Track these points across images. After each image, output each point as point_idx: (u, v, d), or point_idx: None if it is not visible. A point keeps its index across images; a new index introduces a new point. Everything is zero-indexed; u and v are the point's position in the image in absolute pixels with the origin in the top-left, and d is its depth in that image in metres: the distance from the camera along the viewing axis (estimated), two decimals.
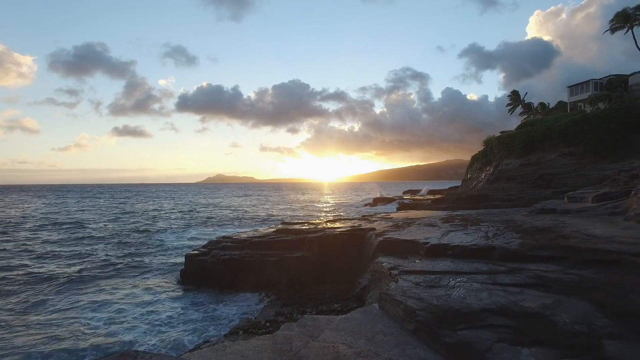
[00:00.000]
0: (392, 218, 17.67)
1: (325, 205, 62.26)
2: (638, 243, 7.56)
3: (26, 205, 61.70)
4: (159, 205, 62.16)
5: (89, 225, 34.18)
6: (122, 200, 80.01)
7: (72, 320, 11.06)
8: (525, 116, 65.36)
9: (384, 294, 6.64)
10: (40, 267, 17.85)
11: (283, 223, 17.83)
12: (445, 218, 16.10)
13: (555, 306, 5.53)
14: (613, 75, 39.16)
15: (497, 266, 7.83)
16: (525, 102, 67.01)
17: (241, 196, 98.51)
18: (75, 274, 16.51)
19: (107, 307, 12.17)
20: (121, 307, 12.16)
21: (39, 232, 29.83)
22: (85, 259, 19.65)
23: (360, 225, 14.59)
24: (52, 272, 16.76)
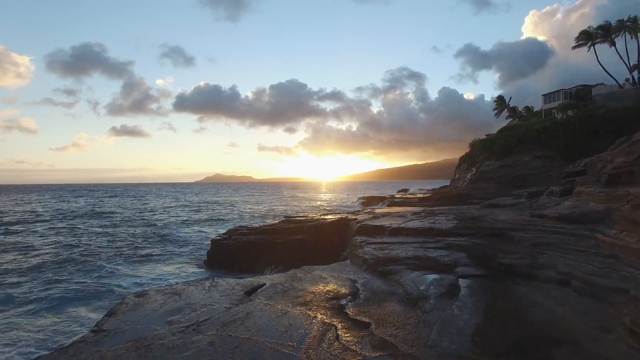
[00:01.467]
0: (374, 212, 21.92)
1: (322, 203, 66.45)
2: (514, 223, 11.84)
3: (55, 203, 65.58)
4: (167, 204, 66.19)
5: (117, 221, 38.29)
6: (131, 199, 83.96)
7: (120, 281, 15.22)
8: (510, 120, 69.75)
9: (353, 253, 10.88)
10: (92, 248, 21.97)
11: (286, 217, 22.08)
12: (415, 212, 20.34)
13: (446, 255, 9.78)
14: (581, 85, 43.49)
15: (429, 239, 12.07)
16: (511, 106, 71.42)
17: (242, 195, 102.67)
18: (116, 257, 20.65)
19: (140, 280, 16.19)
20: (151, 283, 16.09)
21: (76, 223, 33.91)
22: (122, 247, 23.77)
23: (347, 217, 18.86)
24: (99, 252, 20.88)
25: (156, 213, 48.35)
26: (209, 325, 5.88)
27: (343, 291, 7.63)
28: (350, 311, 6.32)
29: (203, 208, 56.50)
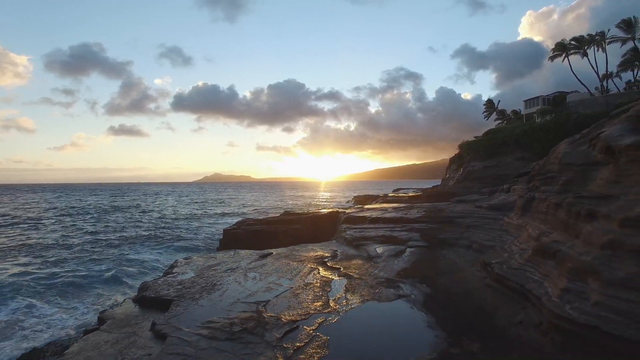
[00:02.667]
0: (362, 207, 25.45)
1: (320, 200, 70.01)
2: (462, 212, 15.41)
3: (79, 201, 69.00)
4: (175, 202, 69.65)
5: (136, 216, 41.82)
6: (140, 197, 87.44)
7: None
8: (499, 122, 73.37)
9: (338, 235, 14.44)
10: (124, 237, 25.54)
11: (286, 211, 25.63)
12: (395, 207, 23.84)
13: (405, 235, 13.36)
14: (558, 92, 47.05)
15: (398, 225, 15.61)
16: (499, 109, 75.26)
17: (244, 194, 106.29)
18: (143, 244, 24.18)
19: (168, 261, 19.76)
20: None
21: (101, 218, 37.50)
22: (147, 237, 27.30)
23: (338, 210, 22.43)
24: (126, 240, 24.42)
25: (167, 210, 51.83)
26: (239, 269, 9.44)
27: (326, 255, 11.20)
28: (329, 263, 9.90)
29: (209, 205, 60.04)
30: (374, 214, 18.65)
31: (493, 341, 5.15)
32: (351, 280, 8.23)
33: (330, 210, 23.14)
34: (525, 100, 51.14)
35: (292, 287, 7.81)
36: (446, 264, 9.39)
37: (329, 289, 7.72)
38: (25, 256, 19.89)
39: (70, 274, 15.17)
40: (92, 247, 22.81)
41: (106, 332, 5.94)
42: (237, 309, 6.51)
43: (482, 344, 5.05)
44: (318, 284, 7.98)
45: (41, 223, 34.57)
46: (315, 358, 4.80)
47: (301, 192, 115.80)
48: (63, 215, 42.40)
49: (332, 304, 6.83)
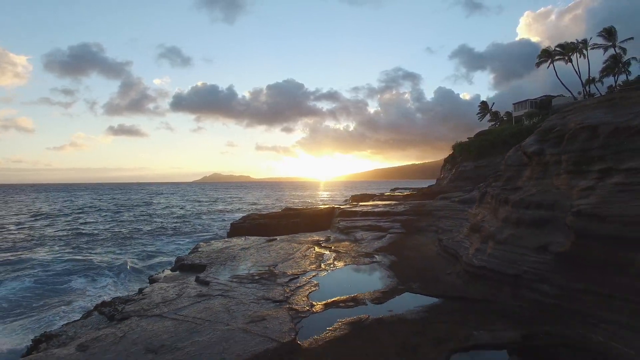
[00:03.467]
0: (357, 204, 28.02)
1: (320, 199, 72.57)
2: (440, 206, 17.95)
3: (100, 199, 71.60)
4: (181, 200, 72.27)
5: (150, 212, 44.54)
6: (148, 197, 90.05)
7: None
8: (492, 123, 75.84)
9: (332, 225, 17.00)
10: (144, 229, 28.17)
11: (287, 207, 28.17)
12: (387, 203, 26.39)
13: (388, 224, 15.93)
14: (544, 96, 49.57)
15: (383, 217, 18.17)
16: (493, 111, 77.87)
17: (246, 193, 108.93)
18: (161, 235, 26.77)
19: (188, 246, 22.38)
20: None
21: (122, 213, 40.24)
22: (163, 229, 29.93)
23: (334, 206, 25.00)
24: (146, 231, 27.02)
25: (174, 208, 54.41)
26: (251, 248, 12.03)
27: (321, 239, 13.78)
28: (323, 244, 12.48)
29: (214, 203, 62.65)
30: (365, 209, 21.24)
31: (429, 283, 7.69)
32: (339, 254, 10.80)
33: (327, 206, 25.72)
34: (514, 103, 53.69)
35: (293, 257, 10.38)
36: (414, 243, 11.96)
37: (321, 259, 10.32)
38: (73, 246, 22.63)
39: (105, 259, 17.88)
40: (120, 239, 25.53)
41: (164, 283, 8.47)
42: (254, 269, 9.10)
43: (421, 284, 7.59)
44: (313, 256, 10.56)
45: (84, 218, 37.49)
46: (309, 291, 7.35)
47: (301, 192, 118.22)
48: (88, 212, 45.10)
49: (322, 266, 9.43)
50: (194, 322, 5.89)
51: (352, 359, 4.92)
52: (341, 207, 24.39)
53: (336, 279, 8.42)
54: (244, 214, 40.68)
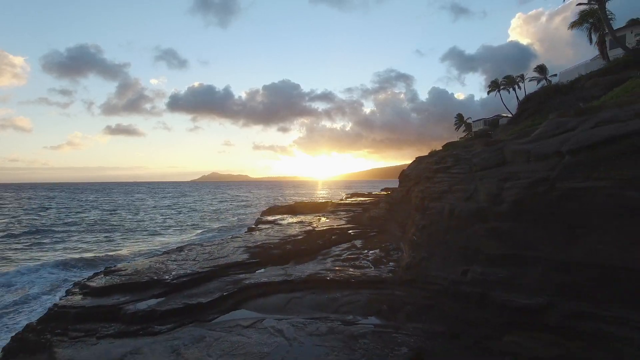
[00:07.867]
0: (344, 200, 41.15)
1: (320, 197, 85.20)
2: None
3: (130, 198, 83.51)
4: (196, 200, 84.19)
5: (178, 209, 56.86)
6: (159, 197, 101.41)
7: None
8: (466, 134, 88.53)
9: (326, 211, 30.06)
10: (190, 222, 40.69)
11: (296, 202, 41.40)
12: (363, 200, 39.43)
13: (357, 208, 28.90)
14: (496, 115, 62.56)
15: (356, 206, 31.13)
16: (467, 122, 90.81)
17: (248, 192, 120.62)
18: (177, 226, 39.43)
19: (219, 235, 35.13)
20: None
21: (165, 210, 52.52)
22: (185, 225, 42.41)
23: (328, 201, 38.31)
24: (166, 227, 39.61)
25: (192, 204, 66.58)
26: (271, 231, 25.06)
27: (320, 215, 26.78)
28: (321, 218, 25.56)
29: (227, 201, 74.96)
30: (348, 201, 34.44)
31: (366, 226, 20.66)
32: (328, 219, 23.76)
33: (325, 200, 39.05)
34: (473, 121, 66.83)
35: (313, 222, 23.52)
36: (366, 216, 24.90)
37: (319, 217, 23.41)
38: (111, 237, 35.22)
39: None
40: (164, 226, 38.24)
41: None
42: (294, 232, 22.12)
43: (360, 226, 20.57)
44: (320, 219, 23.61)
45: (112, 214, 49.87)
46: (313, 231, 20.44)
47: (301, 191, 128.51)
48: (111, 210, 57.44)
49: (322, 219, 22.53)
50: None
51: None
52: (332, 201, 37.59)
53: (327, 223, 21.52)
54: (256, 210, 53.35)
